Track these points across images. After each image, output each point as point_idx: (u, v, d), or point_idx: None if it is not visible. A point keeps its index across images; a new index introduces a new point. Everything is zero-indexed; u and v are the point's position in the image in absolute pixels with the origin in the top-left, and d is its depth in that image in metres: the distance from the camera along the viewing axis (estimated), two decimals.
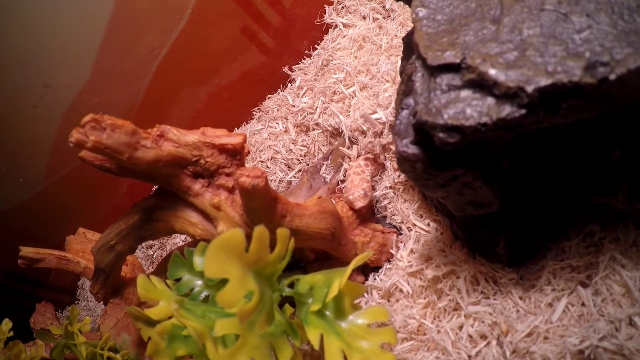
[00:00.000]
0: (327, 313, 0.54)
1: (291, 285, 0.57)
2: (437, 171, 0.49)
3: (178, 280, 0.63)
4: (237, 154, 0.61)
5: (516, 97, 0.42)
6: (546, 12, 0.48)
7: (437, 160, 0.48)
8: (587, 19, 0.47)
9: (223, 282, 0.46)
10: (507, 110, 0.43)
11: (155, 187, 0.68)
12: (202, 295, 0.63)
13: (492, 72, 0.43)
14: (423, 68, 0.48)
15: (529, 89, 0.42)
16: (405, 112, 0.52)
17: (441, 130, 0.44)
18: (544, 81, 0.42)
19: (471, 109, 0.44)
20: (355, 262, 0.52)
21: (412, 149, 0.49)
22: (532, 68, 0.43)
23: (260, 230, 0.46)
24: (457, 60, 0.45)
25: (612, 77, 0.42)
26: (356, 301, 0.73)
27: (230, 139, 0.60)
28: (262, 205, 0.56)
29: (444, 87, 0.45)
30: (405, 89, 0.59)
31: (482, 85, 0.44)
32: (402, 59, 0.69)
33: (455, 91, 0.45)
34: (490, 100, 0.44)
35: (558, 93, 0.42)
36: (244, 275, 0.46)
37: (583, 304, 0.58)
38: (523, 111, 0.42)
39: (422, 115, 0.45)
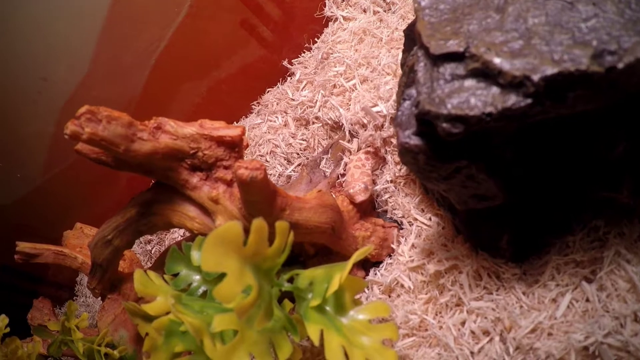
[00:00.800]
0: (327, 308, 0.53)
1: (290, 280, 0.56)
2: (440, 163, 0.48)
3: (176, 275, 0.63)
4: (235, 147, 0.60)
5: (522, 86, 0.41)
6: (551, 1, 0.47)
7: (440, 151, 0.47)
8: (594, 8, 0.46)
9: (221, 277, 0.45)
10: (512, 99, 0.42)
11: (153, 181, 0.67)
12: (200, 290, 0.62)
13: (496, 60, 0.42)
14: (426, 58, 0.47)
15: (535, 77, 0.41)
16: (407, 103, 0.51)
17: (445, 121, 0.42)
18: (551, 70, 0.41)
19: (475, 98, 0.42)
20: (355, 257, 0.51)
21: (415, 140, 0.48)
22: (538, 57, 0.42)
23: (258, 223, 0.45)
24: (461, 49, 0.44)
25: (620, 65, 0.41)
26: (356, 296, 0.73)
27: (228, 131, 0.59)
28: (260, 198, 0.55)
29: (448, 76, 0.44)
30: (407, 80, 0.58)
31: (487, 74, 0.43)
32: (403, 52, 0.68)
33: (459, 80, 0.44)
34: (495, 90, 0.43)
35: (565, 82, 0.41)
36: (242, 270, 0.45)
37: (587, 300, 0.57)
38: (529, 101, 0.41)
39: (425, 105, 0.44)
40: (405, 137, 0.48)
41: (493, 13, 0.48)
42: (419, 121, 0.47)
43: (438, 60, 0.45)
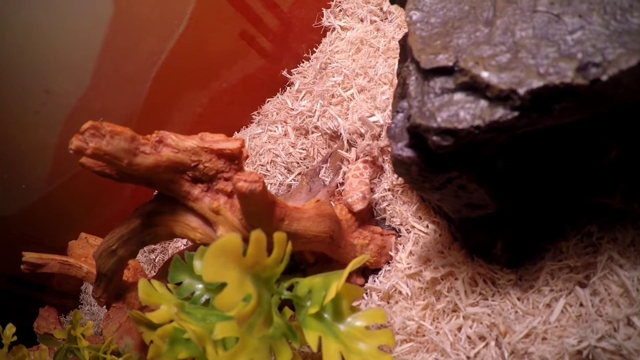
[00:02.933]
0: (326, 316, 0.54)
1: (290, 289, 0.57)
2: (432, 174, 0.49)
3: (179, 284, 0.64)
4: (235, 159, 0.61)
5: (508, 99, 0.43)
6: (538, 14, 0.48)
7: (432, 163, 0.49)
8: (580, 20, 0.47)
9: (223, 285, 0.47)
10: (499, 112, 0.43)
11: (155, 192, 0.68)
12: (203, 298, 0.63)
13: (484, 74, 0.44)
14: (417, 71, 0.49)
15: (521, 91, 0.42)
16: (400, 116, 0.53)
17: (435, 134, 0.44)
18: (536, 83, 0.42)
19: (464, 111, 0.44)
20: (351, 265, 0.52)
21: (407, 152, 0.49)
22: (524, 70, 0.43)
23: (257, 235, 0.46)
24: (450, 64, 0.46)
25: (604, 77, 0.42)
26: (355, 303, 0.74)
27: (228, 143, 0.60)
28: (260, 210, 0.56)
29: (438, 90, 0.46)
30: (402, 91, 0.60)
31: (475, 88, 0.44)
32: (399, 62, 0.70)
33: (448, 94, 0.45)
34: (483, 103, 0.44)
35: (550, 95, 0.42)
36: (242, 279, 0.47)
37: (581, 305, 0.58)
38: (516, 113, 0.43)
39: (416, 119, 0.45)
40: (398, 149, 0.49)
41: (482, 26, 0.49)
42: (410, 134, 0.49)
43: (428, 74, 0.47)
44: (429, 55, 0.47)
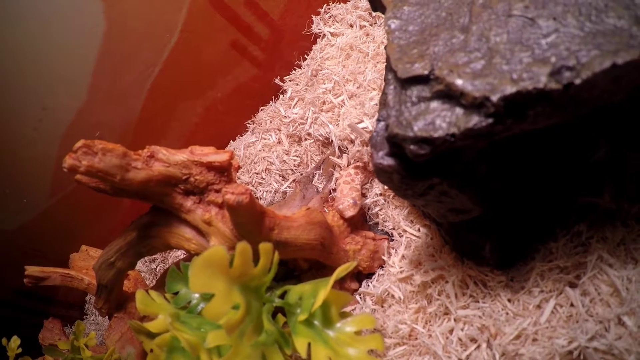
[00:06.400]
0: (315, 322, 0.55)
1: (283, 296, 0.58)
2: (414, 181, 0.50)
3: (176, 293, 0.65)
4: (224, 171, 0.62)
5: (482, 106, 0.43)
6: (513, 18, 0.49)
7: (412, 170, 0.49)
8: (554, 23, 0.47)
9: (213, 296, 0.48)
10: (474, 120, 0.43)
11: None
12: (199, 307, 0.64)
13: (458, 82, 0.44)
14: (395, 80, 0.49)
15: (494, 98, 0.42)
16: (381, 124, 0.53)
17: (412, 143, 0.44)
18: (509, 89, 0.42)
19: (440, 120, 0.44)
20: (337, 274, 0.53)
21: (388, 161, 0.50)
22: (497, 76, 0.44)
23: (241, 247, 0.47)
24: (426, 72, 0.46)
25: (578, 81, 0.42)
26: (350, 308, 0.75)
27: (217, 156, 0.62)
28: (248, 220, 0.57)
29: (414, 99, 0.46)
30: (386, 99, 0.60)
31: (450, 95, 0.45)
32: (386, 67, 0.70)
33: (425, 103, 0.46)
34: (458, 111, 0.44)
35: (524, 101, 0.42)
36: (229, 289, 0.48)
37: (571, 305, 0.59)
38: (490, 120, 0.43)
39: (394, 128, 0.46)
40: (379, 158, 0.50)
41: (458, 33, 0.50)
42: (390, 143, 0.49)
43: (405, 83, 0.47)
44: (406, 64, 0.48)
